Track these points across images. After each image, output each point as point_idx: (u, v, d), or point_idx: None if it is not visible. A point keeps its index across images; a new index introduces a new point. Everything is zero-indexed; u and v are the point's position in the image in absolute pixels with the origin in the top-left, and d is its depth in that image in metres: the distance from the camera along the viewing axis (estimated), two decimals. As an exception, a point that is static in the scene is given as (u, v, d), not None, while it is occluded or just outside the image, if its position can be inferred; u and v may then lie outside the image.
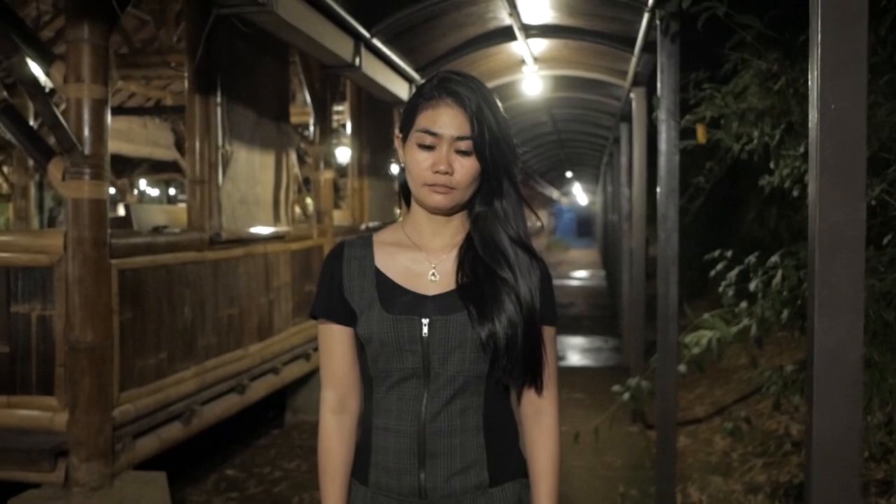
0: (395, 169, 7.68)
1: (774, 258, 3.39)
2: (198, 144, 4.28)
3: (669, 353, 3.42)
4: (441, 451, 1.36)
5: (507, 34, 5.34)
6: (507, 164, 1.38)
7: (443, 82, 1.37)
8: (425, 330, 1.35)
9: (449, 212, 1.41)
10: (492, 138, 1.34)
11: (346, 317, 1.42)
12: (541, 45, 5.67)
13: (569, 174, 22.15)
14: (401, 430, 1.37)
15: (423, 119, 1.36)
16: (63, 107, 3.65)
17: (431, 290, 1.40)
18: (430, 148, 1.35)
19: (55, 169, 3.31)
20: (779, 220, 6.32)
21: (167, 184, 19.91)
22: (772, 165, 3.67)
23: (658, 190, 3.42)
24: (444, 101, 1.35)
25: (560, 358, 8.29)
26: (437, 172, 1.34)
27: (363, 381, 1.46)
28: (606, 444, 4.88)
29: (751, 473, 4.18)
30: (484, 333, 1.33)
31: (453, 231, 1.44)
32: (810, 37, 1.43)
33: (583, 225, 45.08)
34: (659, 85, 3.23)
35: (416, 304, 1.38)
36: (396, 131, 1.46)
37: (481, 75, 6.32)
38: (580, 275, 19.45)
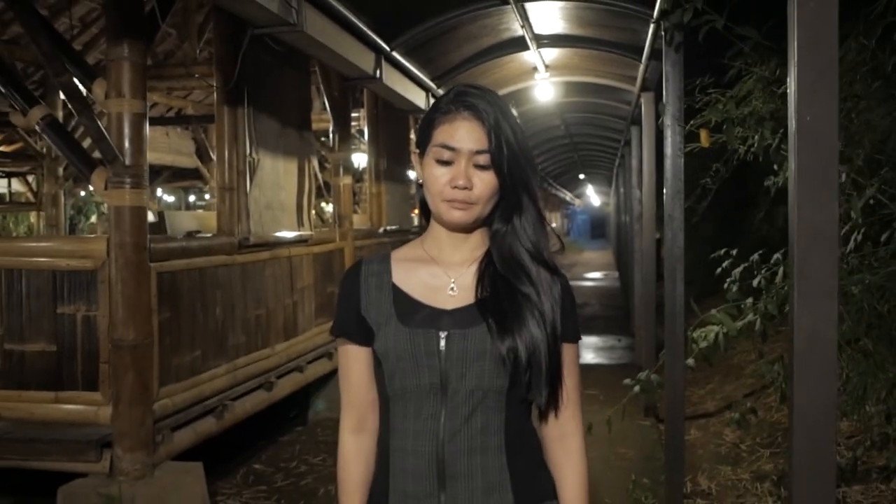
0: (412, 175, 7.89)
1: (777, 255, 3.56)
2: (227, 153, 4.52)
3: (677, 347, 3.60)
4: (461, 473, 1.33)
5: (519, 44, 5.56)
6: (526, 178, 1.36)
7: (459, 96, 1.35)
8: (443, 343, 1.33)
9: (469, 227, 1.39)
10: (510, 152, 1.32)
11: (363, 335, 1.40)
12: (552, 53, 5.88)
13: (581, 176, 22.33)
14: (418, 451, 1.34)
15: (441, 134, 1.34)
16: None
17: (450, 305, 1.37)
18: (448, 163, 1.33)
19: (98, 178, 3.55)
20: (787, 219, 6.45)
21: (185, 191, 20.26)
22: (775, 167, 3.85)
23: (665, 191, 3.61)
24: (462, 114, 1.33)
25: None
26: (455, 188, 1.32)
27: (381, 402, 1.43)
28: (620, 436, 5.05)
29: (758, 463, 4.35)
30: (504, 347, 1.30)
31: (473, 246, 1.42)
32: (788, 58, 1.63)
33: (596, 227, 45.17)
34: (664, 92, 3.43)
35: (433, 317, 1.36)
36: (413, 147, 1.48)
37: (495, 82, 6.54)
38: (594, 276, 19.61)
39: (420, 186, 1.42)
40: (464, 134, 1.32)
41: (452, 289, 1.39)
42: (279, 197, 5.09)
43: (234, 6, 3.28)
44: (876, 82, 3.07)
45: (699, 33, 2.96)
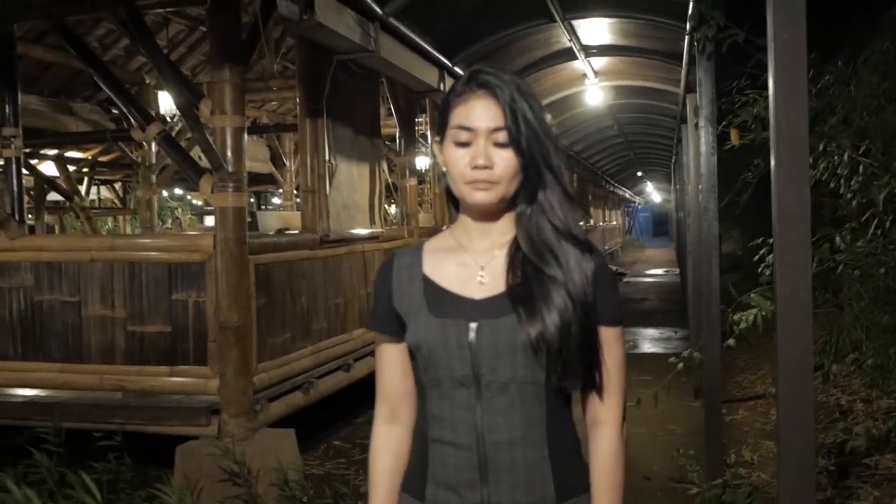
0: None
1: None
2: (309, 160, 5.09)
3: (713, 326, 3.99)
4: (504, 465, 1.30)
5: (568, 54, 6.01)
6: (547, 154, 1.33)
7: (473, 75, 1.34)
8: (472, 335, 1.30)
9: (496, 208, 1.36)
10: (528, 128, 1.30)
11: (396, 328, 1.39)
12: (600, 61, 6.30)
13: (640, 174, 22.46)
14: (458, 443, 1.32)
15: (457, 115, 1.32)
16: (175, 130, 4.50)
17: (480, 294, 1.34)
18: (466, 144, 1.31)
19: (206, 183, 4.15)
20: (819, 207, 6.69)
21: (257, 196, 21.23)
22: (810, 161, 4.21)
23: (700, 186, 4.00)
24: (476, 93, 1.32)
25: (633, 346, 8.82)
26: (476, 168, 1.30)
27: (417, 392, 1.42)
28: (670, 415, 5.46)
29: (798, 436, 4.68)
30: (533, 335, 1.27)
31: (501, 231, 1.39)
32: (768, 75, 2.06)
33: (659, 224, 44.85)
34: (698, 97, 3.82)
35: (463, 308, 1.33)
36: (434, 136, 1.47)
37: (548, 89, 7.00)
38: (655, 272, 19.74)
39: (444, 175, 1.39)
40: (480, 112, 1.31)
41: (482, 277, 1.36)
42: (354, 198, 5.64)
43: (323, 38, 3.83)
44: (885, 83, 3.41)
45: (723, 45, 3.36)
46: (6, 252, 4.64)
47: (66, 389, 4.51)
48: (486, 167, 1.30)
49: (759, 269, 4.09)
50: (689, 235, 7.20)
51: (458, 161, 1.32)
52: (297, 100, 5.08)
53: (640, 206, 44.30)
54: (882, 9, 3.50)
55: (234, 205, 4.12)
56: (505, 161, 1.31)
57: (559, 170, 1.35)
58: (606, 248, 24.05)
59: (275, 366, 4.50)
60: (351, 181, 5.60)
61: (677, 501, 3.93)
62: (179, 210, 21.14)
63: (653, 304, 12.69)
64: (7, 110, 4.86)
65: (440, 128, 1.37)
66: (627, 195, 30.18)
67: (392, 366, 1.43)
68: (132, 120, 4.36)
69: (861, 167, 3.43)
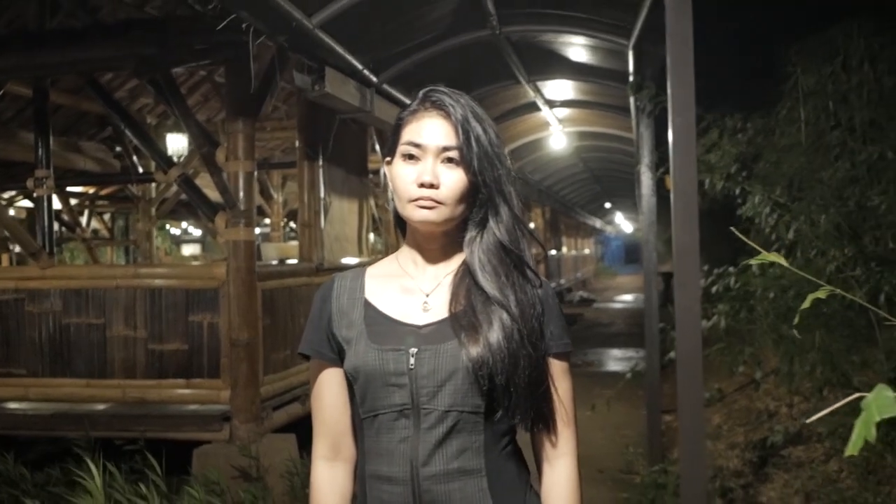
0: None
1: (731, 268, 4.67)
2: (306, 197, 5.77)
3: (653, 342, 4.72)
4: (439, 499, 1.26)
5: (533, 107, 6.83)
6: (499, 179, 1.30)
7: (428, 94, 1.33)
8: (412, 361, 1.26)
9: (441, 232, 1.33)
10: (480, 150, 1.28)
11: (335, 354, 1.35)
12: (563, 111, 7.13)
13: (608, 205, 23.42)
14: (393, 477, 1.27)
15: (408, 132, 1.30)
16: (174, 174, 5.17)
17: (423, 320, 1.31)
18: (414, 162, 1.29)
19: (220, 220, 4.80)
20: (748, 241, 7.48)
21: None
22: (739, 200, 5.00)
23: (642, 222, 4.74)
24: (429, 112, 1.30)
25: (599, 365, 9.55)
26: (422, 186, 1.27)
27: (355, 426, 1.36)
28: (625, 422, 6.16)
29: (733, 437, 5.41)
30: (475, 361, 1.24)
31: (448, 257, 1.37)
32: (669, 148, 2.81)
33: (630, 252, 45.94)
34: (638, 149, 4.58)
35: (404, 334, 1.30)
36: (384, 155, 1.39)
37: (516, 134, 7.80)
38: (624, 298, 20.60)
39: (393, 198, 1.36)
40: (431, 130, 1.29)
41: (426, 304, 1.34)
42: (344, 231, 6.33)
43: (328, 102, 4.54)
44: (784, 140, 4.19)
45: (656, 108, 4.14)
46: (37, 280, 5.23)
47: (92, 402, 5.03)
48: (432, 185, 1.27)
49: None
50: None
51: (405, 178, 1.29)
52: (297, 145, 5.77)
53: (612, 235, 45.38)
54: (787, 78, 4.30)
55: (244, 238, 4.78)
56: (453, 181, 1.28)
57: (510, 195, 1.32)
58: (579, 275, 24.93)
59: (278, 379, 5.13)
60: (342, 216, 6.29)
61: (624, 488, 4.62)
62: (159, 239, 21.69)
63: (619, 328, 13.47)
64: (40, 153, 5.50)
65: (391, 146, 1.35)
66: (598, 225, 31.15)
67: (332, 396, 1.37)
68: (156, 163, 5.02)
69: (769, 207, 4.19)
